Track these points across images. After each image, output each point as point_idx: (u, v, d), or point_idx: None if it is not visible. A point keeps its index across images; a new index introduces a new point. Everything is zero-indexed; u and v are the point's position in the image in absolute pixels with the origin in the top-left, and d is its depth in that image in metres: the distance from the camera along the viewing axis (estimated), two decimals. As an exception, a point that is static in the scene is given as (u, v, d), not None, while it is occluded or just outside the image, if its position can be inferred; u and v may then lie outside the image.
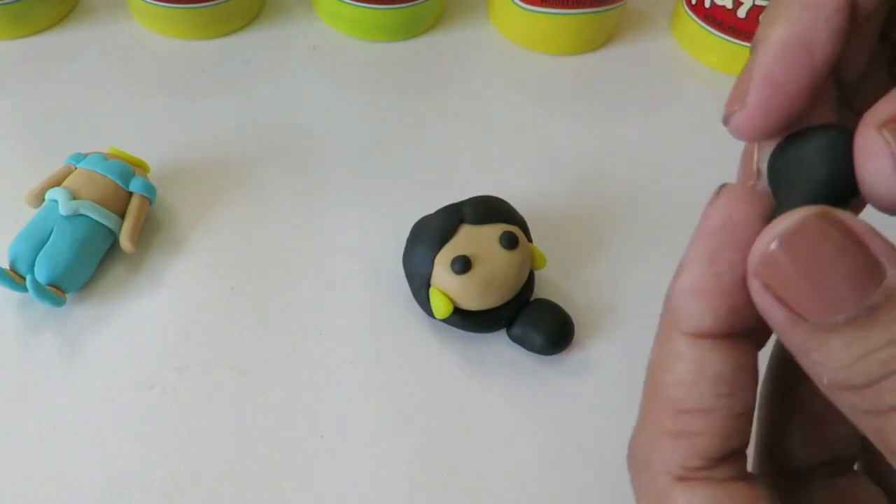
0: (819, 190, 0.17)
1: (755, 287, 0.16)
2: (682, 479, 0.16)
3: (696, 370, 0.16)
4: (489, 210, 0.30)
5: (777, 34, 0.18)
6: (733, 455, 0.17)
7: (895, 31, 0.21)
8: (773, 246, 0.16)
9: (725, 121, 0.19)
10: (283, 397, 0.29)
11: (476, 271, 0.29)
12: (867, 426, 0.15)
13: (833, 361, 0.15)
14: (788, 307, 0.15)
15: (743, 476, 0.17)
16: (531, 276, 0.31)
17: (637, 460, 0.18)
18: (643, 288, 0.32)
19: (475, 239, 0.30)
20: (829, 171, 0.17)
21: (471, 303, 0.29)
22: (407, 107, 0.39)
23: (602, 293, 0.32)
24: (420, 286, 0.30)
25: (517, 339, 0.30)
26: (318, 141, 0.37)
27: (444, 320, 0.30)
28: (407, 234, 0.31)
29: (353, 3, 0.40)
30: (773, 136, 0.19)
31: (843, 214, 0.16)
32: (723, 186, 0.18)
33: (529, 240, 0.31)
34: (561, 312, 0.30)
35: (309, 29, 0.43)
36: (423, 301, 0.30)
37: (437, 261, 0.29)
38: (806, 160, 0.18)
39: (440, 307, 0.29)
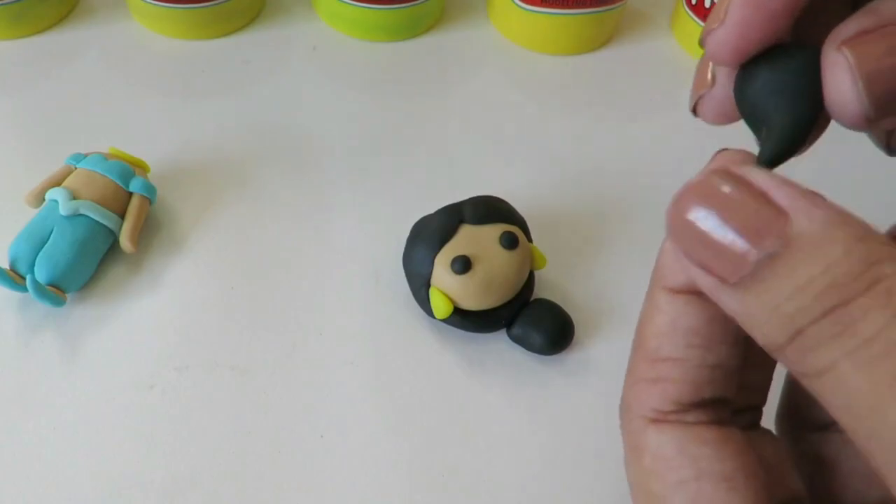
0: (793, 107, 0.17)
1: (680, 257, 0.16)
2: (654, 421, 0.17)
3: (671, 322, 0.17)
4: (489, 210, 0.31)
5: None
6: (708, 404, 0.17)
7: None
8: (679, 212, 0.16)
9: (702, 41, 0.19)
10: (283, 397, 0.29)
11: (476, 271, 0.29)
12: (809, 387, 0.15)
13: (754, 321, 0.15)
14: (710, 271, 0.15)
15: (716, 422, 0.17)
16: (531, 276, 0.31)
17: (621, 407, 0.18)
18: (643, 288, 0.32)
19: (475, 239, 0.30)
20: (799, 88, 0.17)
21: (471, 303, 0.29)
22: (407, 107, 0.39)
23: (602, 293, 0.32)
24: (420, 286, 0.30)
25: (517, 339, 0.30)
26: (318, 141, 0.37)
27: (444, 320, 0.30)
28: (407, 234, 0.31)
29: (353, 3, 0.40)
30: (748, 57, 0.18)
31: (743, 169, 0.15)
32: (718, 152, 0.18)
33: (529, 240, 0.31)
34: (561, 312, 0.30)
35: (309, 29, 0.43)
36: (423, 301, 0.30)
37: (437, 261, 0.29)
38: (780, 79, 0.18)
39: (440, 307, 0.29)
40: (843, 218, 0.14)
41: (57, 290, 0.30)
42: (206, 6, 0.40)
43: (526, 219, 0.32)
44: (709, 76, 0.20)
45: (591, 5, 0.40)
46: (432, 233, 0.30)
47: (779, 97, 0.18)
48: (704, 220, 0.15)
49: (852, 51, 0.17)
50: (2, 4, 0.39)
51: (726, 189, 0.15)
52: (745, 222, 0.15)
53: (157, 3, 0.40)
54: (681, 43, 0.43)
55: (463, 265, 0.29)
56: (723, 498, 0.16)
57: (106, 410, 0.28)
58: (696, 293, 0.17)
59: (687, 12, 0.42)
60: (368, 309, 0.31)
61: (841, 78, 0.17)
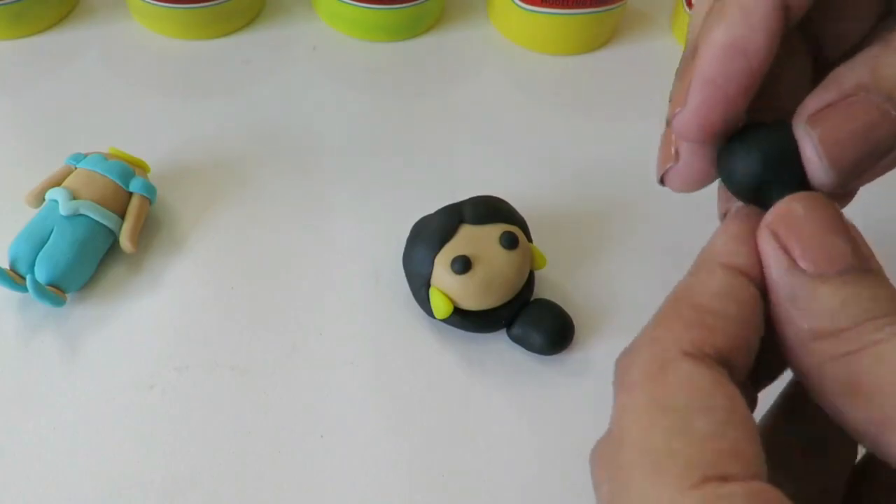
0: (786, 180, 0.20)
1: (764, 235, 0.19)
2: (689, 354, 0.17)
3: (728, 289, 0.18)
4: (489, 210, 0.30)
5: (715, 38, 0.20)
6: (734, 369, 0.18)
7: (815, 25, 0.23)
8: (796, 207, 0.18)
9: (668, 121, 0.21)
10: (283, 397, 0.29)
11: (476, 271, 0.29)
12: (839, 371, 0.17)
13: (818, 307, 0.17)
14: (789, 255, 0.18)
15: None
16: (531, 276, 0.31)
17: (635, 348, 0.18)
18: (643, 288, 0.32)
19: (475, 239, 0.30)
20: (795, 171, 0.20)
21: (471, 303, 0.29)
22: (407, 107, 0.39)
23: (602, 293, 0.32)
24: (420, 286, 0.30)
25: (517, 339, 0.30)
26: (318, 141, 0.37)
27: (444, 320, 0.30)
28: (407, 234, 0.31)
29: (353, 3, 0.40)
30: (714, 135, 0.20)
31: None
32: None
33: (529, 240, 0.31)
34: (561, 312, 0.30)
35: (309, 29, 0.43)
36: (423, 301, 0.30)
37: (437, 261, 0.29)
38: (772, 161, 0.20)
39: (440, 307, 0.29)
40: None
41: (57, 290, 0.30)
42: (206, 6, 0.40)
43: (526, 219, 0.32)
44: (672, 151, 0.22)
45: (591, 5, 0.40)
46: (432, 233, 0.30)
47: (782, 185, 0.20)
48: (822, 221, 0.18)
49: (815, 127, 0.19)
50: (2, 4, 0.39)
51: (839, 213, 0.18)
52: (852, 239, 0.18)
53: (157, 3, 0.40)
54: (681, 43, 0.43)
55: (463, 265, 0.29)
56: (751, 433, 0.17)
57: (106, 410, 0.28)
58: (747, 275, 0.18)
59: (687, 12, 0.42)
60: (368, 309, 0.31)
61: (810, 153, 0.19)
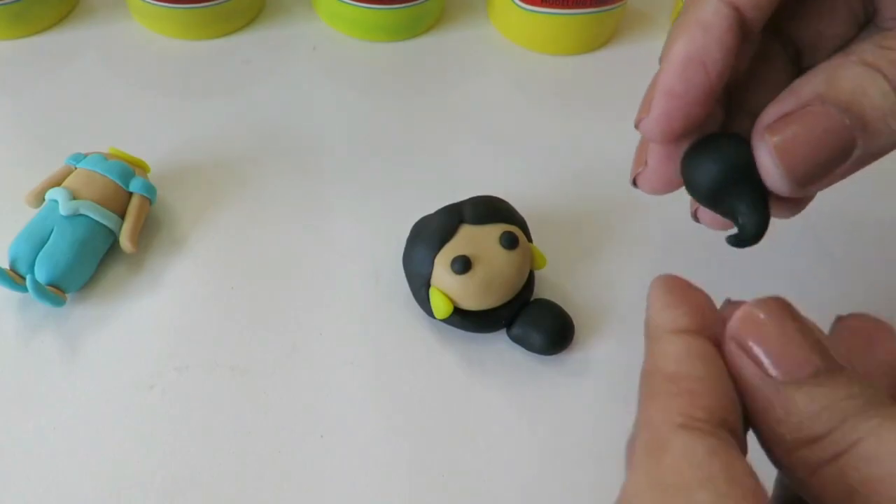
0: (755, 199, 0.21)
1: (731, 347, 0.18)
2: (683, 426, 0.17)
3: (686, 350, 0.18)
4: (489, 210, 0.30)
5: (676, 52, 0.21)
6: (730, 423, 0.18)
7: (791, 28, 0.24)
8: (756, 314, 0.18)
9: (636, 125, 0.23)
10: (283, 397, 0.29)
11: (476, 271, 0.29)
12: (830, 476, 0.17)
13: (797, 414, 0.17)
14: (759, 366, 0.18)
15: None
16: (531, 276, 0.31)
17: (636, 430, 0.18)
18: (643, 287, 0.32)
19: (475, 239, 0.30)
20: (754, 181, 0.21)
21: (471, 303, 0.29)
22: (407, 107, 0.39)
23: (602, 293, 0.32)
24: (420, 286, 0.30)
25: (517, 339, 0.30)
26: (318, 141, 0.37)
27: (444, 320, 0.30)
28: (407, 234, 0.31)
29: (353, 3, 0.40)
30: (677, 139, 0.22)
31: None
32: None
33: (529, 240, 0.31)
34: (561, 312, 0.30)
35: (309, 29, 0.43)
36: (423, 301, 0.30)
37: (436, 261, 0.29)
38: (731, 171, 0.21)
39: (440, 307, 0.29)
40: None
41: (57, 290, 0.30)
42: (206, 6, 0.40)
43: (526, 218, 0.32)
44: (644, 157, 0.24)
45: (591, 5, 0.40)
46: (432, 233, 0.30)
47: (738, 191, 0.22)
48: (781, 326, 0.18)
49: (772, 135, 0.20)
50: (2, 4, 0.39)
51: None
52: (813, 340, 0.18)
53: (157, 3, 0.40)
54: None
55: (463, 265, 0.29)
56: (754, 496, 0.16)
57: (106, 410, 0.28)
58: (697, 333, 0.19)
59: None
60: (368, 309, 0.31)
61: (766, 161, 0.21)
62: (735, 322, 0.18)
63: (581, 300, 0.32)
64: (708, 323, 0.19)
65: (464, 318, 0.30)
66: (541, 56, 0.42)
